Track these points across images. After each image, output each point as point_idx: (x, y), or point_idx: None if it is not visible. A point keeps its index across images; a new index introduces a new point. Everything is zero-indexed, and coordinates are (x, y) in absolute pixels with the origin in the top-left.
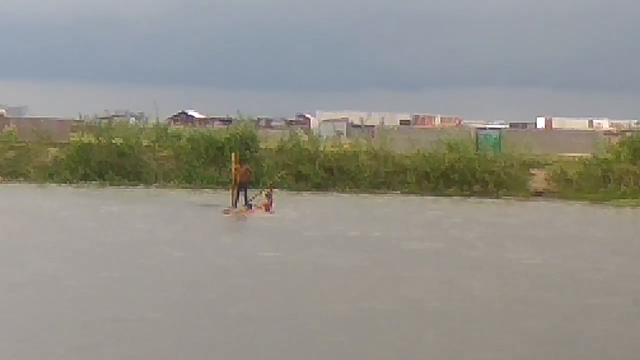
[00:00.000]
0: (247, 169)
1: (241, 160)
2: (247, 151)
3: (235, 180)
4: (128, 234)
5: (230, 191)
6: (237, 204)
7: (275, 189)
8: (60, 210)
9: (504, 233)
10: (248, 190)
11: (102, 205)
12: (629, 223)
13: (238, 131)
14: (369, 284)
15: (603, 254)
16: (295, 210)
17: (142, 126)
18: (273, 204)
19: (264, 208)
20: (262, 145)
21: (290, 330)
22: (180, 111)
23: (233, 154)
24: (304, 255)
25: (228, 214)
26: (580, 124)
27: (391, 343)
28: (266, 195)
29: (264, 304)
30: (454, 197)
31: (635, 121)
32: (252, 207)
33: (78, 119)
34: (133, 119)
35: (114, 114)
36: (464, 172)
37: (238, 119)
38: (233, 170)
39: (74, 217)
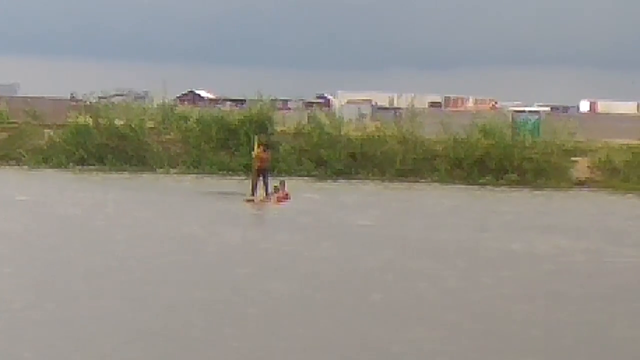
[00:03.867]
0: (270, 154)
1: (265, 145)
2: (262, 134)
3: (256, 165)
4: (148, 228)
5: (251, 178)
6: (257, 192)
7: (286, 178)
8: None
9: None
10: (267, 177)
11: (112, 194)
12: None
13: (253, 112)
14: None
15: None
16: (313, 200)
17: (145, 106)
18: (287, 193)
19: (278, 197)
20: (278, 128)
21: None
22: (188, 90)
23: (258, 138)
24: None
25: (251, 202)
26: (629, 107)
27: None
28: (279, 183)
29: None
30: (486, 187)
31: None
32: (271, 196)
33: (75, 98)
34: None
35: (114, 92)
36: (499, 160)
37: (253, 99)
38: (255, 155)
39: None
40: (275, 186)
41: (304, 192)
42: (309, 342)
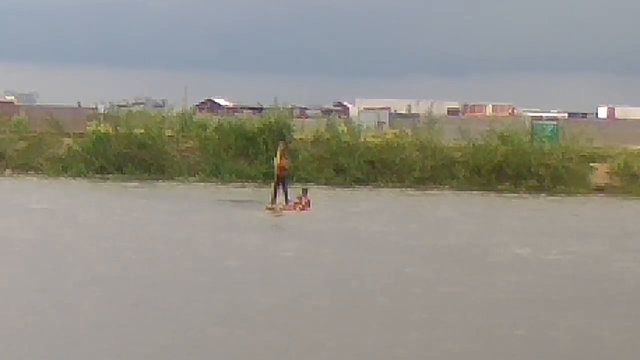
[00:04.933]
0: (290, 162)
1: (287, 153)
2: (282, 142)
3: (277, 172)
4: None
5: (272, 186)
6: (277, 200)
7: (308, 186)
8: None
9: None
10: (286, 184)
11: (128, 203)
12: None
13: (271, 120)
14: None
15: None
16: (335, 209)
17: (164, 115)
18: (310, 202)
19: (301, 206)
20: (296, 136)
21: None
22: (206, 98)
23: (280, 146)
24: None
25: (271, 210)
26: None
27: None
28: (302, 192)
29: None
30: (504, 193)
31: None
32: (292, 203)
33: (94, 107)
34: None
35: (133, 101)
36: (518, 166)
37: (271, 107)
38: (278, 163)
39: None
40: (298, 196)
41: (323, 199)
42: (316, 344)
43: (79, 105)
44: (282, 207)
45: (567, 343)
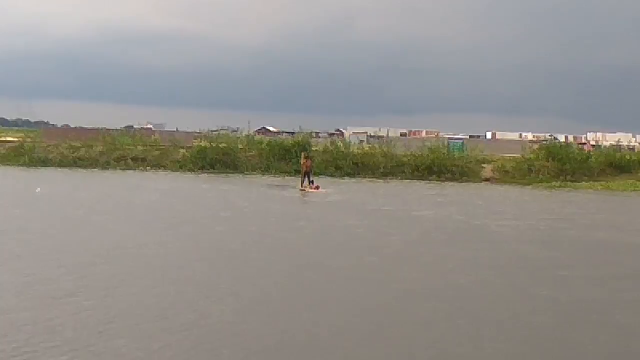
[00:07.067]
0: (311, 162)
1: (308, 157)
2: (304, 152)
3: (303, 169)
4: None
5: (300, 177)
6: (303, 184)
7: (315, 177)
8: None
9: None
10: (310, 175)
11: (217, 185)
12: (518, 196)
13: (299, 139)
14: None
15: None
16: (336, 189)
17: (238, 136)
18: (318, 186)
19: (315, 187)
20: (314, 148)
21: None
22: (261, 126)
23: (303, 154)
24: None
25: (302, 191)
26: (514, 135)
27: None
28: (311, 182)
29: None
30: (433, 181)
31: (549, 134)
32: (312, 186)
33: (198, 131)
34: (232, 131)
35: (220, 128)
36: (439, 166)
37: (298, 132)
38: (302, 163)
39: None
40: (311, 180)
41: (329, 184)
42: (307, 257)
43: (177, 129)
44: (307, 188)
45: (452, 264)
